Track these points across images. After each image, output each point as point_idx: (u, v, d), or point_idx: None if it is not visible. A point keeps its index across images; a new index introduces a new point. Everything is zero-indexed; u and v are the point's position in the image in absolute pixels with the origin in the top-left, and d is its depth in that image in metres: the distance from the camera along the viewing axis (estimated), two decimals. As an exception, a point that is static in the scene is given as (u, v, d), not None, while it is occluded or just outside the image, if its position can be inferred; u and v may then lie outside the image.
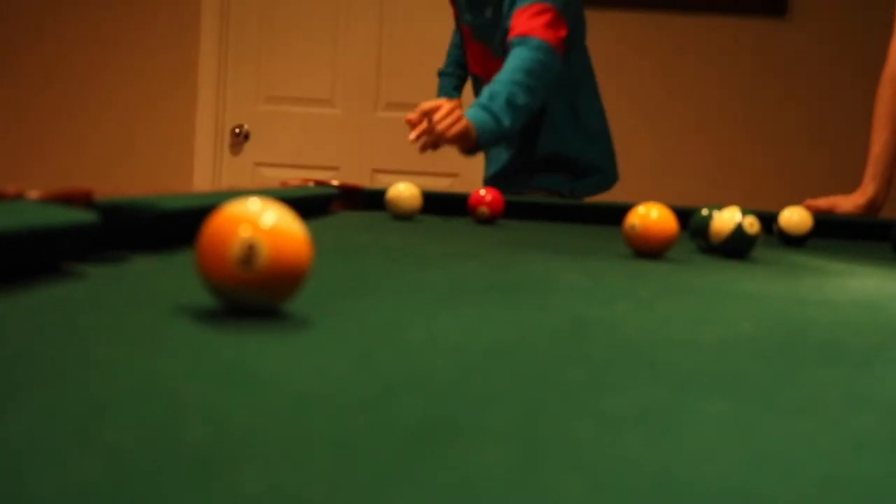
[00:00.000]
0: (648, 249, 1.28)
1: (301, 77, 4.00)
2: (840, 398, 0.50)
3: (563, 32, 2.41)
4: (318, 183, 2.17)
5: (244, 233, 0.60)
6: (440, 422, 0.40)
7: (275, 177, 3.85)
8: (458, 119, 2.15)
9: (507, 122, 2.26)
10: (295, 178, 2.31)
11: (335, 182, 2.20)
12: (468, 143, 2.21)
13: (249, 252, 0.60)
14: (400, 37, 3.91)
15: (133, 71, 3.99)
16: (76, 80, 4.00)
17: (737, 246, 1.33)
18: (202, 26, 3.95)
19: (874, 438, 0.42)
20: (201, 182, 3.98)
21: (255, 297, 0.61)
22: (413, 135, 2.14)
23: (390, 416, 0.41)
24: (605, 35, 3.83)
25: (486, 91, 2.31)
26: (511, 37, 2.39)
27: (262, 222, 0.61)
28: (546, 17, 2.38)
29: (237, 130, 4.00)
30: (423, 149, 2.18)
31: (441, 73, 2.99)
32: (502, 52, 2.49)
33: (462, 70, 2.95)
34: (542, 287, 0.94)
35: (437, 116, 2.13)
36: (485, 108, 2.26)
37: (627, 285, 1.00)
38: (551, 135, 2.65)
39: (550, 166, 2.67)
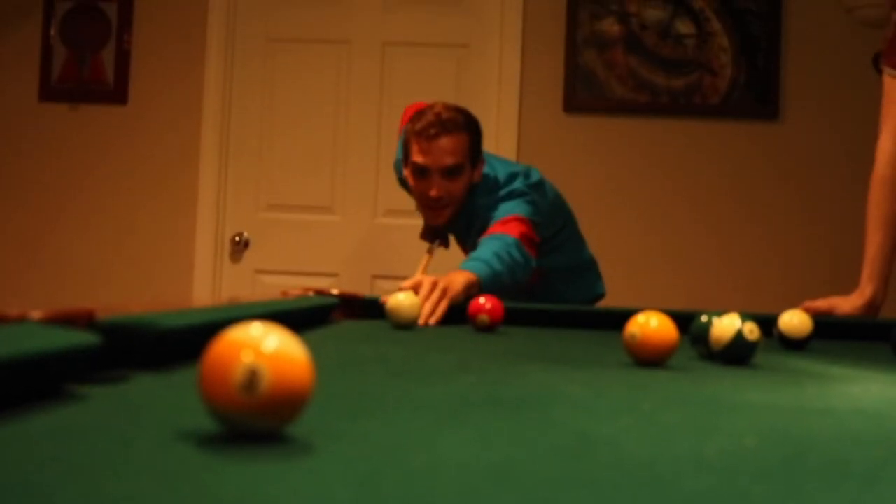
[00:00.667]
0: (649, 358, 1.28)
1: (300, 184, 4.04)
2: (846, 520, 0.50)
3: (535, 238, 2.50)
4: (319, 292, 2.18)
5: (246, 358, 0.60)
6: (445, 555, 0.40)
7: (275, 284, 3.85)
8: (443, 294, 2.09)
9: (499, 267, 2.29)
10: (295, 287, 2.32)
11: (335, 291, 2.21)
12: (470, 292, 2.15)
13: (252, 378, 0.60)
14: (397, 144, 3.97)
15: (133, 179, 4.04)
16: (76, 191, 4.05)
17: (737, 353, 1.33)
18: (202, 135, 4.01)
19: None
20: (201, 289, 4.00)
21: (258, 422, 0.61)
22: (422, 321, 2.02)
23: (395, 549, 0.41)
24: (601, 141, 3.89)
25: (469, 257, 2.38)
26: (483, 236, 2.44)
27: (263, 347, 0.61)
28: (518, 222, 2.46)
29: (237, 238, 4.03)
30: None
31: None
32: None
33: None
34: (544, 401, 0.94)
35: (420, 299, 2.00)
36: (474, 259, 2.31)
37: (629, 397, 1.00)
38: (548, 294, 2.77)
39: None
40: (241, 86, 4.05)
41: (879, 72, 2.43)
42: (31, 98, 4.06)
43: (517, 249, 2.37)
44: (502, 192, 2.56)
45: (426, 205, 2.59)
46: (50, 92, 4.05)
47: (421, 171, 2.54)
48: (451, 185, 2.53)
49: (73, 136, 4.06)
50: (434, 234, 2.93)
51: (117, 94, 4.03)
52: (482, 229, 2.52)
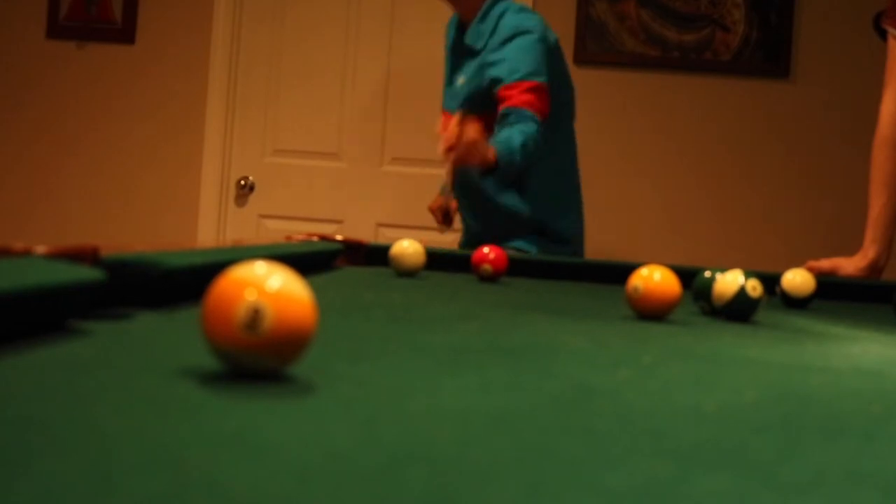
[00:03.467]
0: (651, 312, 1.28)
1: (307, 130, 4.03)
2: (843, 474, 0.50)
3: (548, 108, 2.60)
4: (323, 238, 2.18)
5: (250, 297, 0.60)
6: (442, 496, 0.40)
7: (279, 229, 3.86)
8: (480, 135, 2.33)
9: (517, 157, 2.47)
10: (299, 232, 2.32)
11: (339, 237, 2.21)
12: (488, 163, 2.42)
13: (255, 316, 0.60)
14: (405, 92, 3.95)
15: (140, 120, 4.02)
16: (82, 131, 4.03)
17: (739, 309, 1.34)
18: (210, 78, 3.99)
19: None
20: (206, 233, 4.00)
21: (260, 361, 0.61)
22: (441, 147, 2.31)
23: (392, 489, 0.41)
24: (610, 94, 3.86)
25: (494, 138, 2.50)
26: (504, 106, 2.55)
27: (267, 286, 0.61)
28: (536, 94, 2.57)
29: (242, 182, 4.03)
30: (454, 164, 2.35)
31: None
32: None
33: None
34: (545, 351, 0.95)
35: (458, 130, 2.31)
36: (497, 142, 2.46)
37: (630, 350, 1.00)
38: (530, 200, 2.77)
39: (521, 229, 2.78)
40: (250, 28, 4.02)
41: (879, 32, 2.41)
42: (38, 35, 4.03)
43: (535, 134, 2.52)
44: (518, 21, 2.69)
45: None
46: (57, 29, 4.02)
47: None
48: None
49: (80, 74, 4.04)
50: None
51: (125, 33, 4.00)
52: (493, 52, 2.65)
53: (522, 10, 2.75)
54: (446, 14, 3.93)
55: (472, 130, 2.31)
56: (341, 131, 4.01)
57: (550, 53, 2.67)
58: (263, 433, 0.50)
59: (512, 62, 2.58)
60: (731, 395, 0.75)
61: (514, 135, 2.47)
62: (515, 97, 2.53)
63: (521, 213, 2.72)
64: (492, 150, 2.41)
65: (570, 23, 3.85)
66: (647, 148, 3.87)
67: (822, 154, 3.81)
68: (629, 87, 3.87)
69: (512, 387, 0.71)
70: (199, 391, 0.59)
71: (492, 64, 2.63)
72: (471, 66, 2.75)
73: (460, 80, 2.80)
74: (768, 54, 3.80)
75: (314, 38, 4.02)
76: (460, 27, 2.83)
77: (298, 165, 4.02)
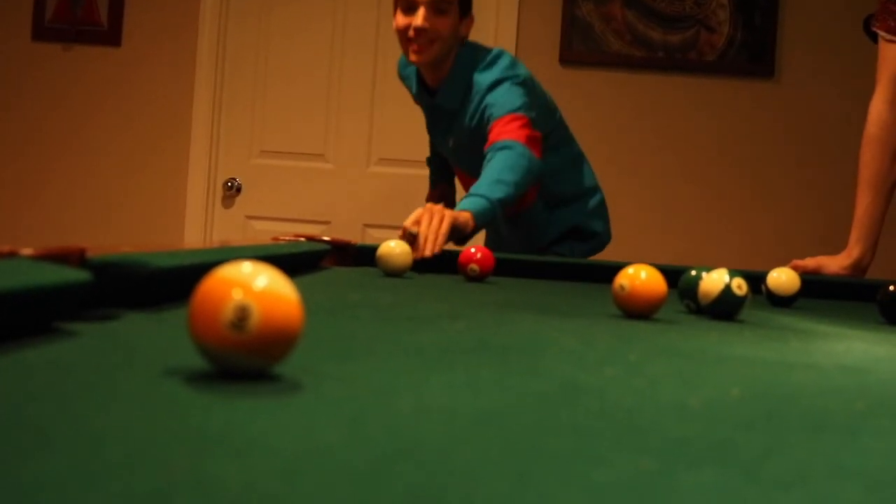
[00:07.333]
0: (637, 310, 1.28)
1: (294, 131, 4.02)
2: (826, 470, 0.50)
3: (538, 134, 2.48)
4: (310, 239, 2.18)
5: (236, 295, 0.61)
6: (429, 493, 0.41)
7: (266, 230, 3.85)
8: (442, 218, 2.11)
9: (497, 195, 2.26)
10: (286, 233, 2.32)
11: (326, 238, 2.21)
12: (466, 230, 2.18)
13: (241, 315, 0.60)
14: (391, 95, 3.95)
15: (126, 123, 4.01)
16: (68, 133, 4.02)
17: (725, 307, 1.34)
18: (196, 79, 3.98)
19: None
20: (192, 234, 3.99)
21: (247, 361, 0.62)
22: (416, 255, 2.04)
23: (380, 487, 0.41)
24: (595, 94, 3.87)
25: (472, 188, 2.33)
26: (489, 145, 2.42)
27: (254, 285, 0.61)
28: (520, 123, 2.44)
29: (229, 183, 4.02)
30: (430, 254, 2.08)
31: (428, 161, 3.10)
32: (475, 172, 2.53)
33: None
34: (532, 350, 0.95)
35: (421, 230, 2.09)
36: (472, 194, 2.27)
37: (616, 348, 1.01)
38: (559, 212, 2.80)
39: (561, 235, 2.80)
40: (237, 30, 4.02)
41: (869, 35, 2.43)
42: (24, 37, 4.02)
43: (521, 160, 2.35)
44: (493, 75, 2.56)
45: (409, 38, 2.55)
46: (43, 32, 4.01)
47: (408, 7, 2.53)
48: (437, 21, 2.52)
49: (66, 77, 4.02)
50: (439, 200, 2.93)
51: (111, 35, 3.99)
52: (476, 114, 2.55)
53: (488, 62, 2.60)
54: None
55: (424, 229, 2.10)
56: (328, 132, 4.01)
57: (529, 88, 2.59)
58: (250, 432, 0.50)
59: (495, 107, 2.49)
60: (717, 391, 0.75)
61: (482, 183, 2.32)
62: (497, 133, 2.43)
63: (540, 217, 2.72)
64: (463, 215, 2.19)
65: (557, 23, 3.86)
66: (632, 148, 3.88)
67: (807, 153, 3.82)
68: (615, 87, 3.88)
69: (499, 385, 0.72)
70: (186, 390, 0.59)
71: (480, 117, 2.56)
72: (455, 126, 2.69)
73: (450, 142, 2.75)
74: (753, 54, 3.81)
75: (300, 40, 4.01)
76: (421, 80, 2.74)
77: (285, 166, 4.02)
